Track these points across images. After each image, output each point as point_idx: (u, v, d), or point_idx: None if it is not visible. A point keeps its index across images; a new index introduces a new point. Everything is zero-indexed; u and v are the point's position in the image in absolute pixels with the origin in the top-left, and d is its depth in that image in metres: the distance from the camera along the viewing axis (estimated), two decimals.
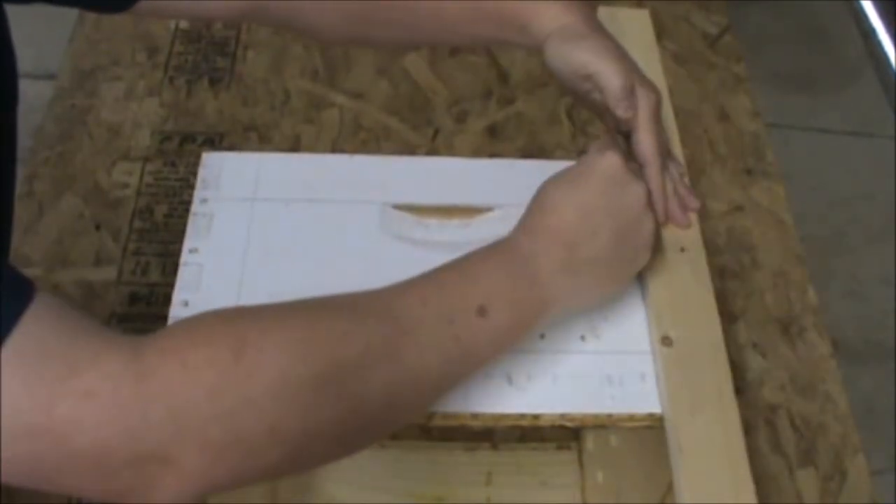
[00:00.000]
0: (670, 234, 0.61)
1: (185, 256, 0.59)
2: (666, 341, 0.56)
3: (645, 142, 0.59)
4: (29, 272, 0.91)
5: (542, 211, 0.53)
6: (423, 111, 1.08)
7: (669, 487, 0.59)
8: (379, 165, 0.66)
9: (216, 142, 1.05)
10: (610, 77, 0.58)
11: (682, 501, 0.50)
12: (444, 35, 0.66)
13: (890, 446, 1.34)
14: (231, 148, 1.03)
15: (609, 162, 0.53)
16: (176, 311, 0.57)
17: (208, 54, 1.13)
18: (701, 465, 0.51)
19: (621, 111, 0.58)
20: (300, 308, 0.46)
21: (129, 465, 0.40)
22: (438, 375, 0.48)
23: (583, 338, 0.57)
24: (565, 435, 0.83)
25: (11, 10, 0.58)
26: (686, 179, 0.63)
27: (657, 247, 0.56)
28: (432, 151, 1.04)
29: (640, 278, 0.59)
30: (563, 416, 0.54)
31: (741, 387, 0.86)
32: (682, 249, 0.60)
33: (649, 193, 0.54)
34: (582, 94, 0.61)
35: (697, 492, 0.50)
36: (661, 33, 1.17)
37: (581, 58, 0.59)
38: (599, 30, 0.61)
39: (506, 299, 0.49)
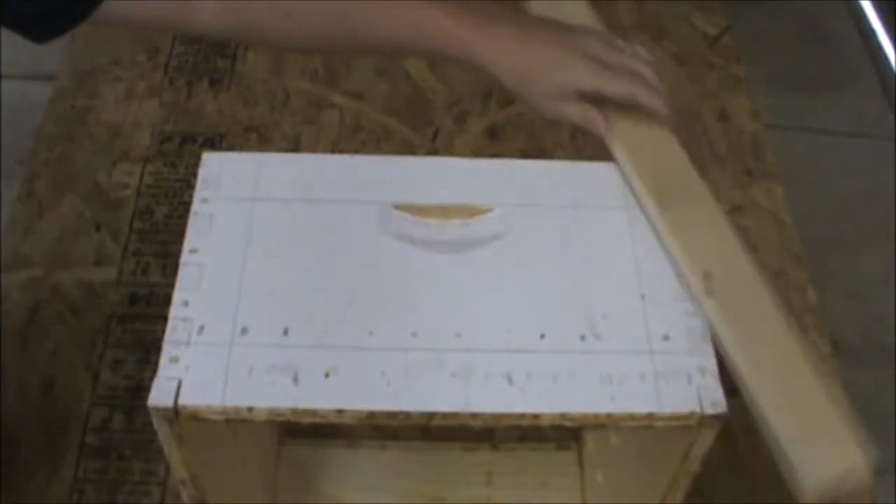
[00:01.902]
0: None
1: (185, 256, 0.59)
2: (708, 278, 0.56)
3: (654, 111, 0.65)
4: (29, 272, 0.92)
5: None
6: (423, 111, 1.08)
7: (669, 487, 0.59)
8: (379, 165, 0.66)
9: (216, 142, 1.05)
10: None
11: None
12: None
13: (890, 446, 1.34)
14: (231, 148, 1.03)
15: None
16: (176, 311, 0.57)
17: (208, 55, 1.13)
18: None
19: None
20: None
21: None
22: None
23: (583, 338, 0.57)
24: (565, 435, 0.84)
25: None
26: None
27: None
28: (432, 152, 1.04)
29: (661, 231, 0.60)
30: (563, 416, 0.54)
31: None
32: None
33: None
34: None
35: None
36: (661, 34, 1.17)
37: None
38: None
39: None
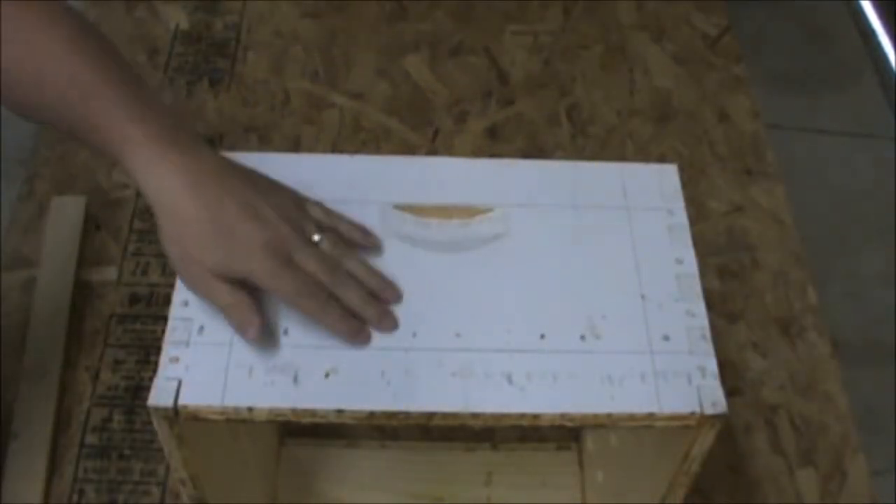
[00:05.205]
0: None
1: None
2: None
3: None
4: (29, 272, 0.91)
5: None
6: (423, 111, 1.08)
7: (670, 487, 0.59)
8: (379, 165, 0.66)
9: (216, 142, 1.05)
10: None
11: None
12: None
13: (890, 446, 1.34)
14: (231, 149, 1.03)
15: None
16: (176, 311, 0.57)
17: (208, 55, 1.13)
18: None
19: None
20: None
21: None
22: None
23: (583, 338, 0.57)
24: (565, 435, 0.84)
25: None
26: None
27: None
28: (432, 152, 1.04)
29: None
30: (563, 416, 0.54)
31: (741, 387, 0.86)
32: None
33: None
34: None
35: None
36: (661, 34, 1.17)
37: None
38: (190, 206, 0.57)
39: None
